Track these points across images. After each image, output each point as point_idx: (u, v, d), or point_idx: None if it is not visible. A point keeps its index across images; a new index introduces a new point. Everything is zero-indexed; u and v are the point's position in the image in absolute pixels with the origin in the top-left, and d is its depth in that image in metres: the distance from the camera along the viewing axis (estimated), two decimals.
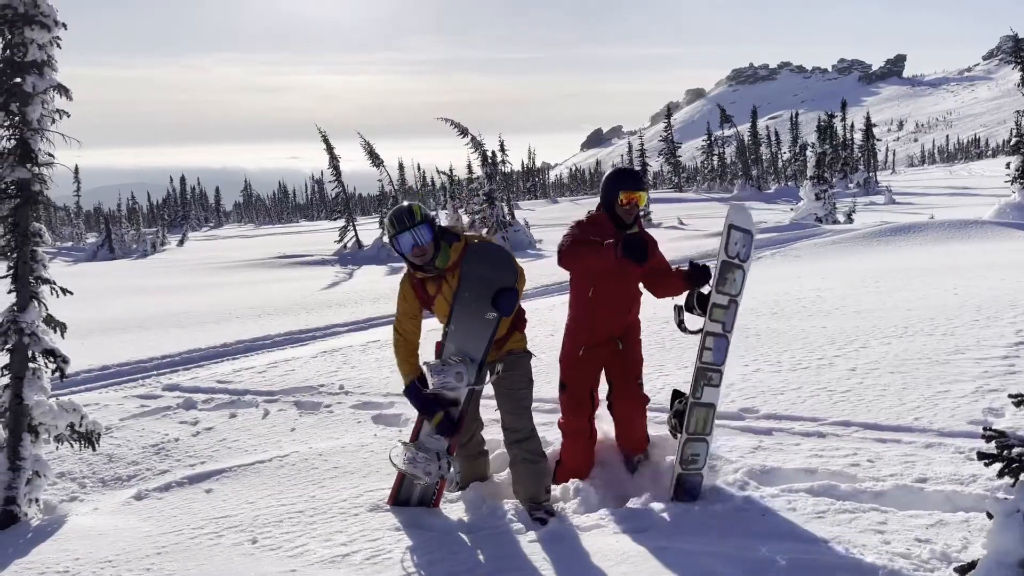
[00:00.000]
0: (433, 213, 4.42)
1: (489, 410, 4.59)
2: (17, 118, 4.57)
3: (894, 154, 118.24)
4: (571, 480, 4.32)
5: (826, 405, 5.28)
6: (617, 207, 4.24)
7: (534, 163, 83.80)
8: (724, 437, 4.86)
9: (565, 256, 4.16)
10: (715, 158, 58.10)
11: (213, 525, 4.15)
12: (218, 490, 4.74)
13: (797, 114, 64.87)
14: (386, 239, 4.21)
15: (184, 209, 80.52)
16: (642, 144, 56.07)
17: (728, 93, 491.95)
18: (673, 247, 17.70)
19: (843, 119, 54.47)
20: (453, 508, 4.17)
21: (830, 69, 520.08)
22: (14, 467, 4.50)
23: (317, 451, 5.24)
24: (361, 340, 9.25)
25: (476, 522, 3.94)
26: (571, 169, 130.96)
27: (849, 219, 27.47)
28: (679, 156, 59.63)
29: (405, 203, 4.00)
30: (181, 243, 44.97)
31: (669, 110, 55.18)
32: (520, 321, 4.31)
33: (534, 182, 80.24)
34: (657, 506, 3.95)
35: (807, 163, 39.31)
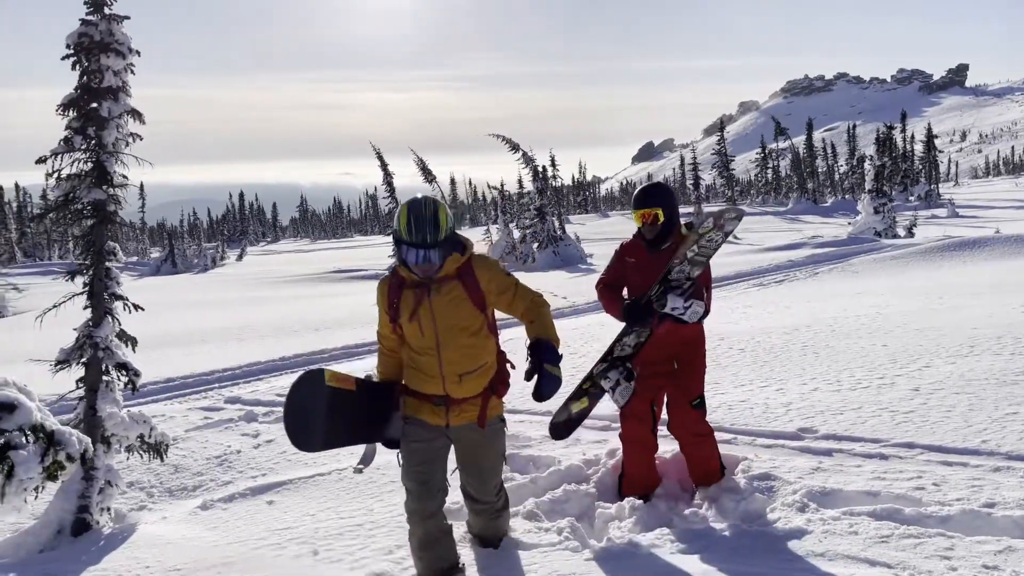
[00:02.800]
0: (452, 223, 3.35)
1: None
2: (93, 141, 4.80)
3: (957, 165, 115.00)
4: (627, 498, 4.31)
5: (888, 426, 5.16)
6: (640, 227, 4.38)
7: (585, 177, 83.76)
8: (782, 457, 4.79)
9: (600, 298, 4.54)
10: (769, 171, 57.31)
11: (276, 536, 4.25)
12: (279, 502, 4.86)
13: (854, 126, 63.64)
14: (393, 226, 3.35)
15: (243, 224, 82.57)
16: (694, 157, 55.60)
17: (782, 105, 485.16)
18: (727, 261, 17.51)
19: (903, 130, 53.23)
20: (511, 524, 4.19)
21: (889, 79, 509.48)
22: (87, 476, 4.68)
23: (375, 464, 5.29)
24: None
25: (532, 538, 3.96)
26: (622, 183, 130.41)
27: (910, 233, 26.82)
28: (732, 169, 58.96)
29: (431, 202, 3.27)
30: (240, 258, 46.09)
31: (722, 123, 54.59)
32: (500, 384, 3.56)
33: (585, 196, 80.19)
34: (715, 527, 3.92)
35: (865, 176, 38.48)
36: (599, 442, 5.32)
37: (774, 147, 56.66)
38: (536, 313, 3.51)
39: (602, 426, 5.76)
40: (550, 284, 17.11)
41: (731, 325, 9.21)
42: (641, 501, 4.28)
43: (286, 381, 8.44)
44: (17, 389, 4.17)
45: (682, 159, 60.82)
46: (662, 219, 4.26)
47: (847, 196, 53.01)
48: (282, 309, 16.14)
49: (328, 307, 15.84)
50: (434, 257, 3.22)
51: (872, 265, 15.29)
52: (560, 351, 3.46)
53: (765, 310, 10.39)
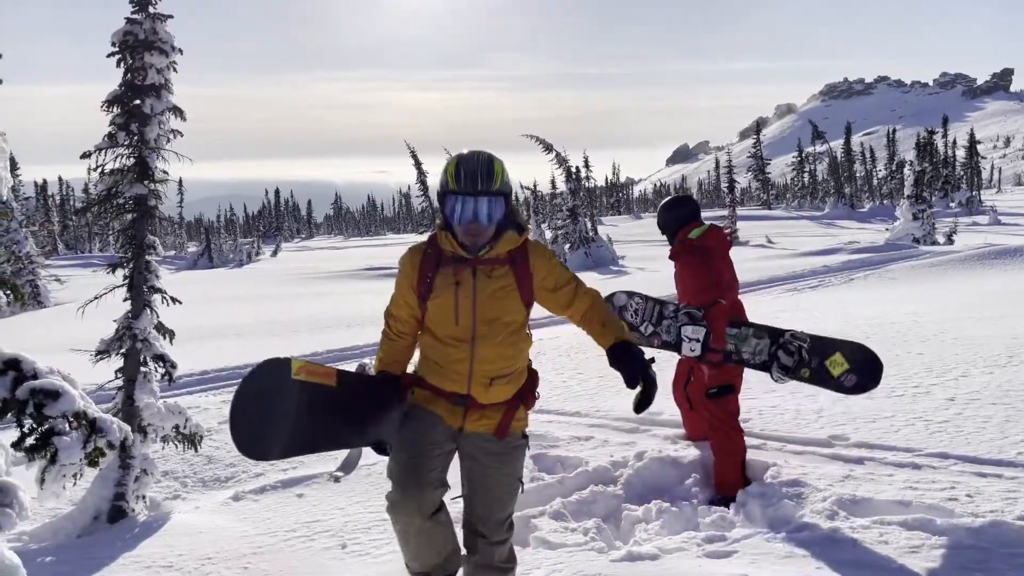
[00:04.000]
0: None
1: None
2: (136, 138, 4.90)
3: (1000, 172, 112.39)
4: (653, 501, 4.31)
5: (922, 435, 5.09)
6: None
7: (618, 178, 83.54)
8: (812, 464, 4.75)
9: None
10: (806, 175, 56.59)
11: (305, 529, 4.32)
12: (309, 495, 4.93)
13: (894, 130, 62.64)
14: (435, 188, 2.94)
15: (278, 221, 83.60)
16: (729, 160, 55.12)
17: (820, 108, 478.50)
18: (761, 266, 17.34)
19: (944, 135, 52.23)
20: (538, 523, 4.21)
21: (931, 83, 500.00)
22: (124, 465, 4.79)
23: None
24: None
25: (559, 538, 3.98)
26: (656, 185, 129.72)
27: (950, 240, 26.35)
28: (768, 173, 58.27)
29: (485, 152, 2.77)
30: (275, 254, 46.66)
31: (758, 126, 54.06)
32: (529, 393, 3.03)
33: (618, 197, 79.92)
34: (742, 532, 3.90)
35: (904, 181, 37.88)
36: (627, 444, 5.32)
37: (811, 151, 55.99)
38: (606, 314, 2.98)
39: (630, 428, 5.75)
40: None
41: None
42: (668, 504, 4.28)
43: None
44: (61, 377, 4.28)
45: (717, 162, 60.27)
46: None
47: (885, 201, 52.19)
48: (315, 305, 16.32)
49: (361, 304, 15.97)
50: (484, 211, 2.73)
51: (910, 272, 15.02)
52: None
53: (798, 315, 10.28)
